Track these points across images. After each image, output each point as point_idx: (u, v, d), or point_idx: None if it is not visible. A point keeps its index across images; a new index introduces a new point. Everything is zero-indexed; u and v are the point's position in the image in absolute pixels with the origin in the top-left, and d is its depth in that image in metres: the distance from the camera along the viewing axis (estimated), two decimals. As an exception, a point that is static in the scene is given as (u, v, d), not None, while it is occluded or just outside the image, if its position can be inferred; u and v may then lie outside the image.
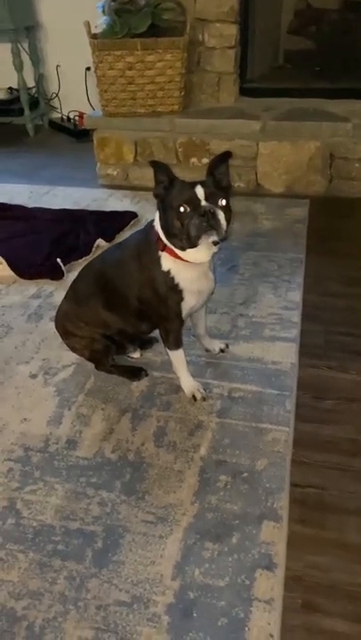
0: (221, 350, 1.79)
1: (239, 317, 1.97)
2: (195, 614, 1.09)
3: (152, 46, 2.84)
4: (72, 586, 1.15)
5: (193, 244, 1.35)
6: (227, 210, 1.36)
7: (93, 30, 2.89)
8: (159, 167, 1.38)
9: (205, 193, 1.33)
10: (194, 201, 1.33)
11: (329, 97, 3.10)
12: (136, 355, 1.78)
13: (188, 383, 1.62)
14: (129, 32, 2.81)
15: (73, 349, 1.72)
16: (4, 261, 2.30)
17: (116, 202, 2.96)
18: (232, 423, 1.53)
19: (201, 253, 1.41)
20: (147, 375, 1.70)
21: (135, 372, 1.71)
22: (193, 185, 1.35)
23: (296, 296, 2.07)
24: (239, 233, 2.56)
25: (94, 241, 2.44)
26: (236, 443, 1.47)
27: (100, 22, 2.91)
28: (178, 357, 1.60)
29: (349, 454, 1.43)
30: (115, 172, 3.22)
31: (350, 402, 1.59)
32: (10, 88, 4.24)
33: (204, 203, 1.33)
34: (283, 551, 1.20)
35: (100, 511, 1.30)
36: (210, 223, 1.32)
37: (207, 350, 1.79)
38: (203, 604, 1.10)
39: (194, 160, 3.05)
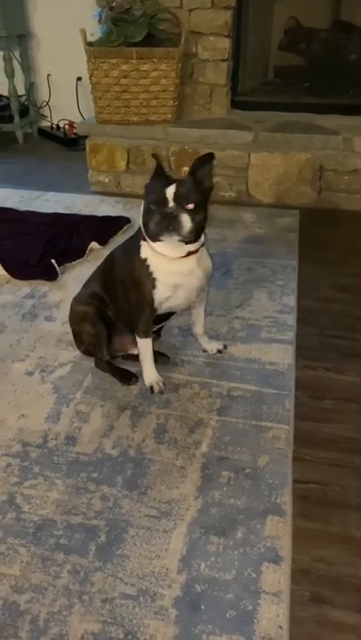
0: (219, 351, 1.79)
1: (235, 320, 1.98)
2: (202, 607, 1.07)
3: (147, 55, 2.88)
4: (76, 580, 1.12)
5: (153, 240, 1.44)
6: (196, 213, 1.39)
7: (89, 38, 2.91)
8: (156, 160, 1.48)
9: (175, 194, 1.37)
10: (162, 201, 1.38)
11: (317, 112, 3.16)
12: (136, 351, 1.76)
13: (150, 373, 1.65)
14: (125, 41, 2.84)
15: (78, 334, 1.74)
16: (-4, 261, 2.27)
17: (108, 208, 2.96)
18: (232, 421, 1.53)
19: (168, 249, 1.47)
20: (137, 382, 1.68)
21: (126, 376, 1.69)
22: (167, 184, 1.39)
23: (291, 300, 2.09)
24: (232, 240, 2.58)
25: (88, 243, 2.43)
26: (237, 440, 1.46)
27: (95, 31, 2.94)
28: (145, 346, 1.63)
29: (350, 452, 1.44)
30: (106, 179, 3.23)
31: (348, 402, 1.61)
32: (0, 95, 4.25)
33: (171, 204, 1.37)
34: (288, 545, 1.19)
35: (102, 506, 1.28)
36: (171, 225, 1.37)
37: (204, 351, 1.79)
38: (210, 596, 1.09)
39: (186, 169, 3.05)
